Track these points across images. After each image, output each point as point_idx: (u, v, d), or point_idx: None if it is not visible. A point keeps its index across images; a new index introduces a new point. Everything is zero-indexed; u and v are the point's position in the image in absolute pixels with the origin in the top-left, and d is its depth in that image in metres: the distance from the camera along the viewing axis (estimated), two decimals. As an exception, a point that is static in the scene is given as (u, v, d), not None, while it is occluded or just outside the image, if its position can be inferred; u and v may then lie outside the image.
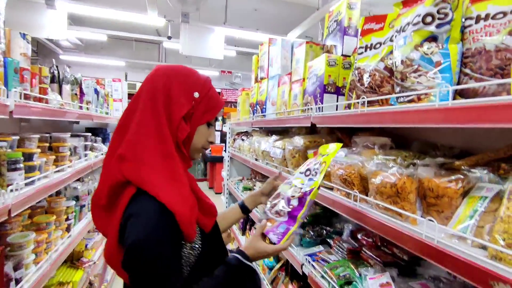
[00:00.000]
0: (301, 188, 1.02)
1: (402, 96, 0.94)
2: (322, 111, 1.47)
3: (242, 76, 8.80)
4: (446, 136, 1.21)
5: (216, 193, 7.24)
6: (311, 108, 1.55)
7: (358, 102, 1.15)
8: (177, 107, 0.86)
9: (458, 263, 0.71)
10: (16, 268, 1.29)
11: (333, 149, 1.08)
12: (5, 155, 1.16)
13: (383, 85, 1.07)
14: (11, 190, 1.14)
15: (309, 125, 1.54)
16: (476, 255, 0.70)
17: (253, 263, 0.96)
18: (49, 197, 1.83)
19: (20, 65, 1.16)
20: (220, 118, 8.92)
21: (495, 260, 0.67)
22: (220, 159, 7.34)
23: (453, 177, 0.87)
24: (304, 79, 1.72)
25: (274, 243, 0.96)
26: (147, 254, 0.74)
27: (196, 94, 0.89)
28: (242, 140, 3.22)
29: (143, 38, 6.69)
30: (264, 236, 1.00)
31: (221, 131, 8.74)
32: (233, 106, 8.78)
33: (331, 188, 1.37)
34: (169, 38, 5.44)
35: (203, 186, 8.24)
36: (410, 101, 0.92)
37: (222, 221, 1.24)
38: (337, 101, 1.47)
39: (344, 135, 1.66)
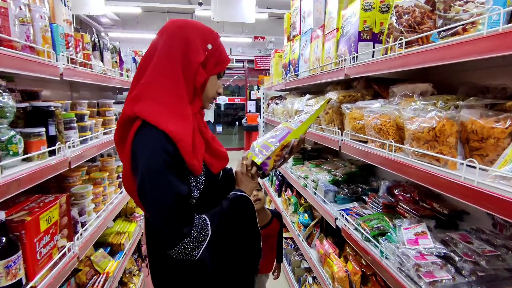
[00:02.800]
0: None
1: (445, 30, 0.84)
2: (356, 61, 1.38)
3: (276, 40, 8.49)
4: (497, 75, 1.08)
5: (253, 161, 7.40)
6: (345, 59, 1.47)
7: (395, 45, 1.07)
8: (195, 53, 0.90)
9: (499, 203, 0.67)
10: (80, 214, 1.49)
11: (323, 102, 1.23)
12: (61, 115, 1.30)
13: (424, 21, 0.97)
14: (69, 146, 1.29)
15: (343, 77, 1.47)
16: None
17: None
18: (101, 158, 2.05)
19: (64, 30, 1.25)
20: (255, 87, 8.87)
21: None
22: (256, 128, 7.39)
23: (501, 116, 0.78)
24: (337, 29, 1.61)
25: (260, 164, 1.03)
26: (150, 182, 0.81)
27: (210, 46, 0.94)
28: (276, 104, 3.19)
29: (176, 7, 6.70)
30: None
31: (256, 99, 8.72)
32: (267, 74, 8.62)
33: (366, 141, 1.32)
34: (200, 4, 5.37)
35: (239, 154, 8.47)
36: (453, 34, 0.83)
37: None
38: (373, 49, 1.37)
39: (382, 88, 1.56)
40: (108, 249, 2.02)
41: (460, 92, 1.11)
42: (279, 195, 3.02)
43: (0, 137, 0.95)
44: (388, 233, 1.22)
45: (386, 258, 1.12)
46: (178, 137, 0.83)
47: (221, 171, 1.22)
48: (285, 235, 2.85)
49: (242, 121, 8.42)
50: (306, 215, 2.23)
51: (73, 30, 1.37)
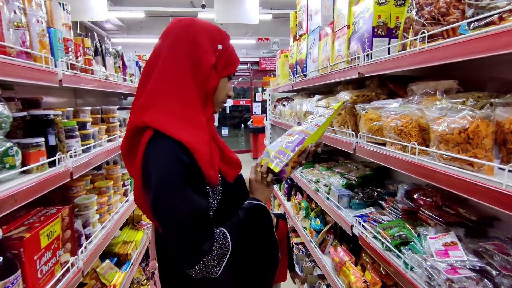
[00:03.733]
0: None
1: (477, 20, 0.76)
2: (371, 58, 1.30)
3: (280, 42, 8.43)
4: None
5: (260, 163, 7.33)
6: (358, 57, 1.39)
7: (416, 40, 0.98)
8: (206, 55, 0.84)
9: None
10: (84, 225, 1.44)
11: (339, 103, 1.10)
12: (61, 123, 1.24)
13: (450, 12, 0.88)
14: (71, 156, 1.24)
15: (356, 76, 1.38)
16: None
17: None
18: (106, 165, 1.99)
19: (63, 35, 1.20)
20: (260, 89, 8.80)
21: None
22: (262, 130, 7.33)
23: (547, 114, 0.69)
24: (349, 26, 1.53)
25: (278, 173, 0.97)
26: (165, 198, 0.74)
27: (220, 46, 0.87)
28: (283, 105, 3.11)
29: (179, 11, 6.68)
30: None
31: (261, 101, 8.66)
32: (272, 75, 8.56)
33: (384, 144, 1.24)
34: (203, 6, 5.34)
35: (246, 157, 8.42)
36: (487, 25, 0.74)
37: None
38: (388, 45, 1.28)
39: (398, 86, 1.47)
40: (115, 259, 1.96)
41: (489, 88, 1.01)
42: (289, 199, 2.94)
43: (-5, 149, 0.89)
44: (412, 242, 1.13)
45: (412, 270, 1.03)
46: (196, 147, 0.78)
47: None
48: (295, 240, 2.76)
49: (248, 123, 8.36)
50: (318, 220, 2.14)
51: (73, 35, 1.31)
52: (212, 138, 0.90)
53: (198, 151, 0.78)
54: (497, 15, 0.71)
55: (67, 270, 1.16)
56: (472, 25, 0.78)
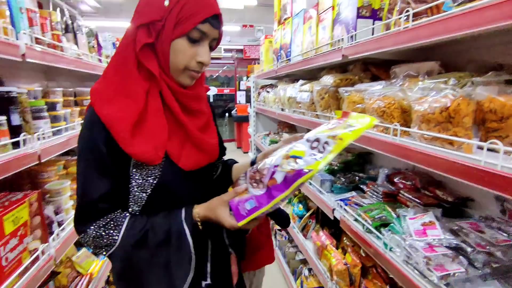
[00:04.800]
0: (296, 163, 0.70)
1: (462, -4, 0.74)
2: (355, 39, 1.28)
3: (265, 29, 8.30)
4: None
5: (244, 152, 7.32)
6: (342, 39, 1.36)
7: (400, 18, 0.96)
8: (141, 17, 0.76)
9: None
10: (56, 212, 1.36)
11: (363, 124, 0.72)
12: (27, 103, 1.15)
13: (435, -11, 0.86)
14: (38, 138, 1.15)
15: (340, 58, 1.36)
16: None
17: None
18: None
19: (25, 5, 1.10)
20: (245, 78, 8.68)
21: None
22: (247, 119, 7.27)
23: (525, 91, 0.70)
24: (333, 8, 1.50)
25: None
26: (77, 168, 0.77)
27: (166, 2, 0.73)
28: (267, 92, 3.08)
29: (160, -6, 6.40)
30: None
31: (246, 90, 8.56)
32: (257, 63, 8.47)
33: (366, 126, 1.23)
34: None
35: (231, 146, 8.35)
36: (472, 0, 0.73)
37: (234, 172, 1.08)
38: (373, 25, 1.26)
39: (381, 70, 1.47)
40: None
41: (469, 69, 1.02)
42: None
43: None
44: (392, 224, 1.14)
45: (391, 250, 1.05)
46: (111, 122, 0.73)
47: (219, 168, 1.07)
48: (278, 226, 2.78)
49: (232, 112, 8.27)
50: (300, 206, 2.15)
51: (36, 5, 1.20)
52: (158, 111, 0.78)
53: (112, 127, 0.73)
54: (482, -11, 0.69)
55: (37, 258, 1.10)
56: (456, 1, 0.77)
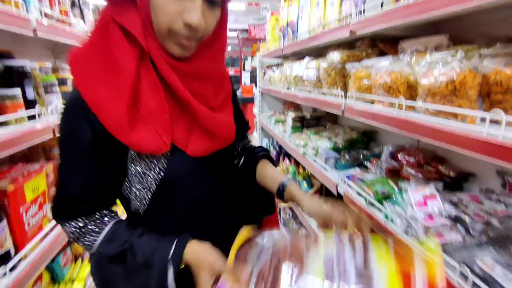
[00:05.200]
0: None
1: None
2: (364, 14, 1.26)
3: (271, 7, 8.08)
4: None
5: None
6: (350, 15, 1.35)
7: (410, -10, 0.95)
8: None
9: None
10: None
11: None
12: (39, 77, 1.18)
13: (447, -42, 0.85)
14: (51, 112, 1.19)
15: (348, 35, 1.35)
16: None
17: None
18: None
19: (34, -21, 1.10)
20: (250, 57, 8.54)
21: None
22: (252, 100, 7.23)
23: (532, 63, 0.70)
24: (342, -19, 1.47)
25: None
26: (60, 158, 0.67)
27: None
28: (273, 71, 3.05)
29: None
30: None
31: (251, 70, 8.46)
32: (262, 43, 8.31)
33: (372, 102, 1.24)
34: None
35: (236, 127, 8.34)
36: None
37: (259, 173, 0.97)
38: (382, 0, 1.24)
39: (388, 46, 1.45)
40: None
41: (478, 42, 1.01)
42: (277, 165, 2.98)
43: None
44: (393, 196, 1.18)
45: (392, 221, 1.09)
46: (102, 108, 0.60)
47: (242, 157, 0.95)
48: (282, 204, 2.85)
49: (237, 93, 8.22)
50: (305, 183, 2.20)
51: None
52: (154, 87, 0.63)
53: (103, 114, 0.60)
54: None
55: (56, 225, 1.17)
56: (468, -30, 0.75)
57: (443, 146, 0.83)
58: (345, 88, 1.52)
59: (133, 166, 0.67)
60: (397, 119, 1.02)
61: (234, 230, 0.73)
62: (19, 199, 0.95)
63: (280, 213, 2.80)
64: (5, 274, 0.85)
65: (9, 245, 0.89)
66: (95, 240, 0.68)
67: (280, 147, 2.98)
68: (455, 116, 0.82)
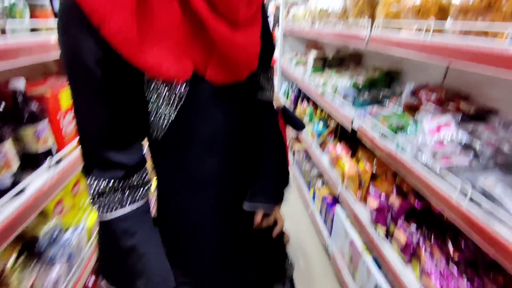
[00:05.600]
0: None
1: None
2: None
3: None
4: None
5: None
6: None
7: None
8: None
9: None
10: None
11: None
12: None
13: None
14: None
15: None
16: None
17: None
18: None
19: None
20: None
21: None
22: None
23: None
24: None
25: None
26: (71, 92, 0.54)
27: None
28: (298, 7, 2.88)
29: None
30: None
31: (274, 15, 7.93)
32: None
33: (399, 29, 1.18)
34: None
35: (255, 75, 8.16)
36: None
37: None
38: None
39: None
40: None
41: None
42: (295, 108, 2.99)
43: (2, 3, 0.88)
44: (407, 128, 1.19)
45: (402, 149, 1.11)
46: (98, 15, 0.45)
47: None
48: (297, 147, 2.92)
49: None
50: (321, 123, 2.22)
51: None
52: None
53: (104, 23, 0.45)
54: None
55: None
56: None
57: (469, 70, 0.81)
58: (372, 19, 1.44)
59: (148, 94, 0.56)
60: (423, 44, 0.98)
61: (248, 169, 0.74)
62: (56, 105, 1.04)
63: (294, 154, 2.89)
64: (49, 167, 0.98)
65: (51, 143, 1.01)
66: (115, 209, 0.60)
67: (299, 91, 2.95)
68: (485, 34, 0.79)
